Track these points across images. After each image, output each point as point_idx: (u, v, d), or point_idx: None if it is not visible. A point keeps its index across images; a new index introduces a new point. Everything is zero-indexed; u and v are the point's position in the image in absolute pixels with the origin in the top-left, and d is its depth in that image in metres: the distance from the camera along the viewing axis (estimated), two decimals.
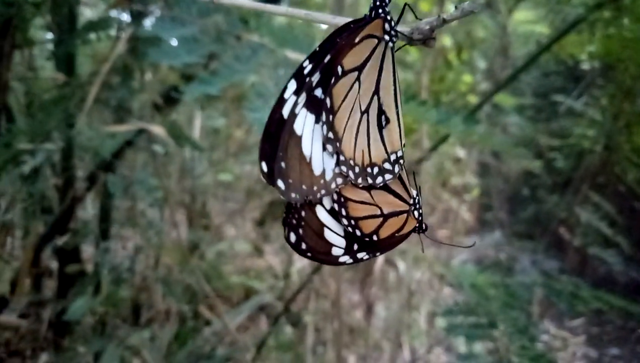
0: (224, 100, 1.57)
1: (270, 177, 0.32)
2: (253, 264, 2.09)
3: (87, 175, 1.19)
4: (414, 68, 1.90)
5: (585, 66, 2.16)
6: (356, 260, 0.36)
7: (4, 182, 1.04)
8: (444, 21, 0.30)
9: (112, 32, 1.05)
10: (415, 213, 0.35)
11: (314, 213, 0.34)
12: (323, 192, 0.33)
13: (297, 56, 0.54)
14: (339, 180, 0.33)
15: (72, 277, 1.28)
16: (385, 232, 0.35)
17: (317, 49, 0.32)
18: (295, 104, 0.32)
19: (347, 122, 0.32)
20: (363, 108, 0.32)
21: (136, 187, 1.02)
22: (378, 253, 0.37)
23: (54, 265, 1.52)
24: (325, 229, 0.35)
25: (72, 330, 1.33)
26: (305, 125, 0.32)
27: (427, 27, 0.31)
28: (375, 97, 0.32)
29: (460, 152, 2.44)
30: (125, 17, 1.13)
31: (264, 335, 1.42)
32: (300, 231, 0.34)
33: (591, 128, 1.79)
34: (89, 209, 1.49)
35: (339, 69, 0.32)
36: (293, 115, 0.32)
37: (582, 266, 2.36)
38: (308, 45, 0.55)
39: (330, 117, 0.32)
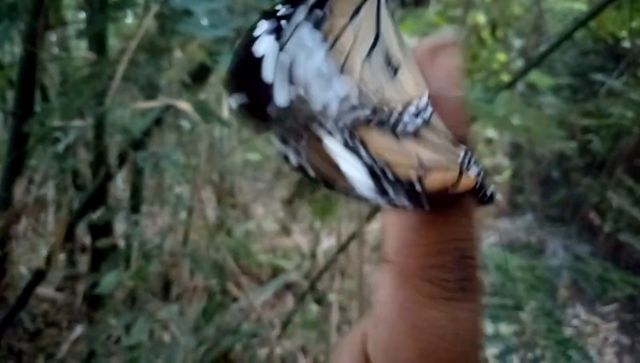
0: None
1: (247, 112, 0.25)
2: (280, 243, 2.11)
3: (119, 153, 1.22)
4: None
5: (626, 44, 2.08)
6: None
7: (38, 158, 1.07)
8: None
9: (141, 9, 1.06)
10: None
11: None
12: None
13: None
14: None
15: (105, 252, 1.32)
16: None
17: None
18: None
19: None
20: (365, 52, 0.26)
21: (165, 163, 1.04)
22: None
23: (87, 240, 1.57)
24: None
25: (104, 304, 1.37)
26: None
27: None
28: (379, 42, 0.26)
29: (492, 133, 2.39)
30: None
31: (289, 313, 1.43)
32: None
33: (629, 108, 1.72)
34: (120, 186, 1.52)
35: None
36: None
37: (616, 251, 2.29)
38: None
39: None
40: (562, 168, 2.85)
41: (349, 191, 0.25)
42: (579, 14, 1.85)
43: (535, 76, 1.88)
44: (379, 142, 0.25)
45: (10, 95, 1.59)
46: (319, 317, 1.52)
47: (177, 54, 0.94)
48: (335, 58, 0.25)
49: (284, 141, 0.25)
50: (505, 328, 0.71)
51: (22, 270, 1.60)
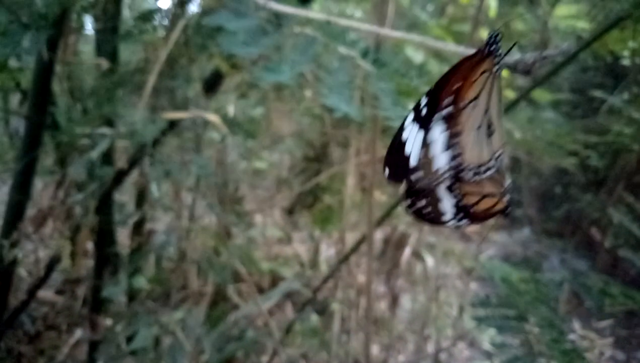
0: (261, 90, 1.59)
1: (391, 178, 0.43)
2: (280, 251, 2.11)
3: (127, 160, 1.23)
4: (450, 61, 1.88)
5: (626, 62, 2.11)
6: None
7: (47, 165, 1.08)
8: (544, 58, 0.38)
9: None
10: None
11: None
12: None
13: (347, 51, 0.56)
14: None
15: (106, 258, 1.33)
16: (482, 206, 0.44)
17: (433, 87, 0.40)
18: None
19: (469, 138, 0.41)
20: (477, 125, 0.41)
21: (194, 169, 1.06)
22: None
23: (89, 246, 1.57)
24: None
25: (105, 308, 1.38)
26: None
27: (531, 60, 0.39)
28: (486, 115, 0.41)
29: None
30: (167, 5, 1.15)
31: (290, 321, 1.44)
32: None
33: (629, 126, 1.75)
34: (125, 192, 1.53)
35: (463, 102, 0.40)
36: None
37: (613, 267, 2.31)
38: (352, 40, 0.57)
39: (457, 138, 0.41)
40: (562, 183, 2.88)
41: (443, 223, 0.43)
42: (581, 32, 1.87)
43: (536, 92, 1.90)
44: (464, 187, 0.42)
45: (13, 98, 1.60)
46: (319, 326, 1.53)
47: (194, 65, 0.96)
48: (452, 134, 0.41)
49: (413, 193, 0.42)
50: (510, 339, 0.72)
51: (22, 272, 1.60)
